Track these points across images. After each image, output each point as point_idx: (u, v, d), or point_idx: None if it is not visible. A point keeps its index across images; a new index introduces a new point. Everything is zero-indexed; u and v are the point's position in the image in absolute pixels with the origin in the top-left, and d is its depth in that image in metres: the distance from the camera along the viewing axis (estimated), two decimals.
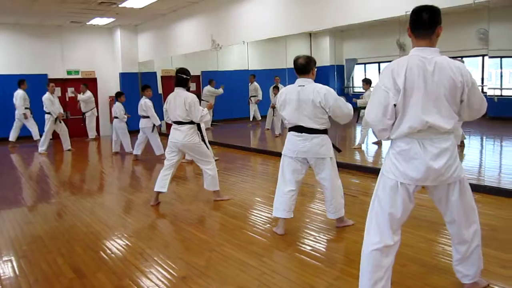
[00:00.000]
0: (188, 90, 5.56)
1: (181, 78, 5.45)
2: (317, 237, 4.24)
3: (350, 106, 4.17)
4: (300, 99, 4.09)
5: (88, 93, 12.59)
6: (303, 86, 4.13)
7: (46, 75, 13.37)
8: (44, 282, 3.53)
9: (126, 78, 14.44)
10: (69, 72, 14.04)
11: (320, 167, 4.26)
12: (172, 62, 13.64)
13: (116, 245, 4.31)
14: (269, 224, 4.74)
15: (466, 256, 2.90)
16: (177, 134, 5.45)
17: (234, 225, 4.79)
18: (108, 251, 4.16)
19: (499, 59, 10.35)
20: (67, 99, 13.94)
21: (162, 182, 5.58)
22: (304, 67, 4.16)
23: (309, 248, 3.98)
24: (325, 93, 4.06)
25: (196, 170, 8.28)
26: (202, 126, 5.69)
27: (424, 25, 2.61)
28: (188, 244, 4.25)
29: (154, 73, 14.37)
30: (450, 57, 2.65)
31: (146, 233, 4.66)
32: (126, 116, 9.77)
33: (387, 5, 6.67)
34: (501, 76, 10.64)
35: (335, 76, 10.36)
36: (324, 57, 13.93)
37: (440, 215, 4.74)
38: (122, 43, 14.41)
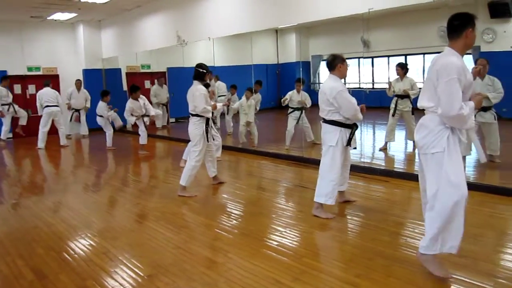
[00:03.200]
0: (205, 85, 5.76)
1: (198, 72, 5.62)
2: (283, 233, 4.26)
3: None
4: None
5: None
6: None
7: (5, 71, 12.91)
8: (3, 284, 3.42)
9: (89, 74, 14.10)
10: (29, 69, 13.60)
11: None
12: (137, 59, 13.42)
13: (79, 245, 4.21)
14: (235, 221, 4.73)
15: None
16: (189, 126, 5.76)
17: (199, 222, 4.76)
18: (71, 251, 4.06)
19: None
20: (28, 96, 13.50)
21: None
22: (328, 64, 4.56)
23: (275, 243, 3.99)
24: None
25: (161, 168, 8.20)
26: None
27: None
28: (153, 242, 4.19)
29: (119, 70, 14.11)
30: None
31: (110, 232, 4.57)
32: (110, 114, 10.11)
33: (352, 2, 6.75)
34: None
35: (301, 73, 10.42)
36: (290, 53, 14.00)
37: (403, 209, 4.86)
38: (85, 39, 14.06)
